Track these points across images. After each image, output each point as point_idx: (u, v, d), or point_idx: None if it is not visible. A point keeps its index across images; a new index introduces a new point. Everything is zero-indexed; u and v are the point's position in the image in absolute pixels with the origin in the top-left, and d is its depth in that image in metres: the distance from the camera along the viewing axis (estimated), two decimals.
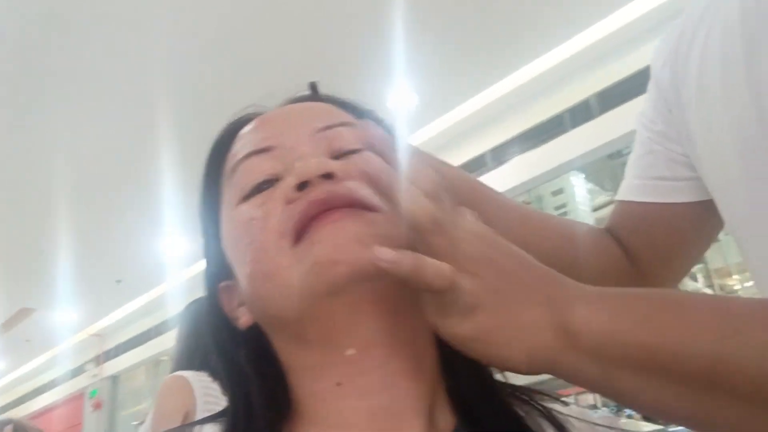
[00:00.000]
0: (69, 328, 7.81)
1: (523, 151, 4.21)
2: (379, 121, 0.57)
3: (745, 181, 0.60)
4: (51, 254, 5.67)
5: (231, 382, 0.49)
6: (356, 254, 0.40)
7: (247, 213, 0.46)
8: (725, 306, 0.39)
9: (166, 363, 7.41)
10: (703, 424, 0.38)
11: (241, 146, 0.51)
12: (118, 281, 6.63)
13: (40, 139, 4.04)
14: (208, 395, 1.78)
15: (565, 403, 0.50)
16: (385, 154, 0.41)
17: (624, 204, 0.76)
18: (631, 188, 0.75)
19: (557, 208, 4.20)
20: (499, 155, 4.36)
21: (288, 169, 0.46)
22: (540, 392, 0.50)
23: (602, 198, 4.38)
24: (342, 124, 0.50)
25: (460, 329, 0.38)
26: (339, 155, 0.48)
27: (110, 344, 8.35)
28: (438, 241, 0.38)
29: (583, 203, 4.18)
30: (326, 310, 0.42)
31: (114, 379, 8.52)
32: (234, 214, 0.48)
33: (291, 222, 0.43)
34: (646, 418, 2.71)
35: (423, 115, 4.27)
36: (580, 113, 3.90)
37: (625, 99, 3.41)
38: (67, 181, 4.54)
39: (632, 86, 3.39)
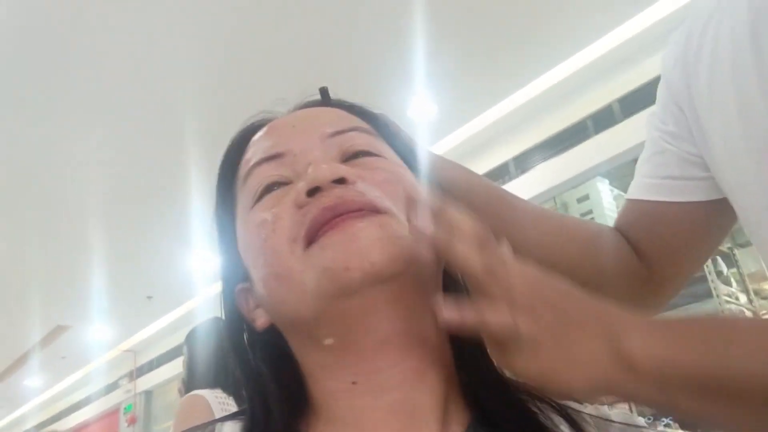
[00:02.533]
0: (103, 344, 7.94)
1: (546, 158, 4.19)
2: (389, 125, 0.58)
3: (760, 182, 0.60)
4: (84, 272, 5.79)
5: (249, 382, 0.49)
6: (367, 258, 0.41)
7: (259, 216, 0.47)
8: None
9: None
10: None
11: (252, 153, 0.51)
12: (149, 297, 6.73)
13: (73, 158, 4.14)
14: (226, 411, 1.83)
15: (580, 401, 0.50)
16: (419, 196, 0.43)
17: (634, 202, 0.76)
18: (642, 187, 0.75)
19: (583, 214, 4.15)
20: (522, 163, 4.34)
21: (299, 174, 0.47)
22: None
23: None
24: (352, 129, 0.51)
25: (524, 367, 0.40)
26: (349, 156, 0.49)
27: (143, 360, 8.46)
28: (493, 288, 0.40)
29: (610, 209, 4.13)
30: (340, 312, 0.42)
31: (148, 394, 8.62)
32: (247, 218, 0.48)
33: (302, 228, 0.44)
34: (684, 426, 2.66)
35: (444, 125, 4.28)
36: (603, 119, 3.87)
37: (647, 104, 3.37)
38: (99, 199, 4.64)
39: (654, 90, 3.33)
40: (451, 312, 0.40)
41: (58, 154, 4.10)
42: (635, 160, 0.79)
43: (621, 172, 4.07)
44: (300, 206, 0.45)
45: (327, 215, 0.43)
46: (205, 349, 2.15)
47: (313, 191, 0.44)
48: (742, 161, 0.62)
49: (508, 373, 0.43)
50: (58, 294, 6.29)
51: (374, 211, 0.44)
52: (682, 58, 0.70)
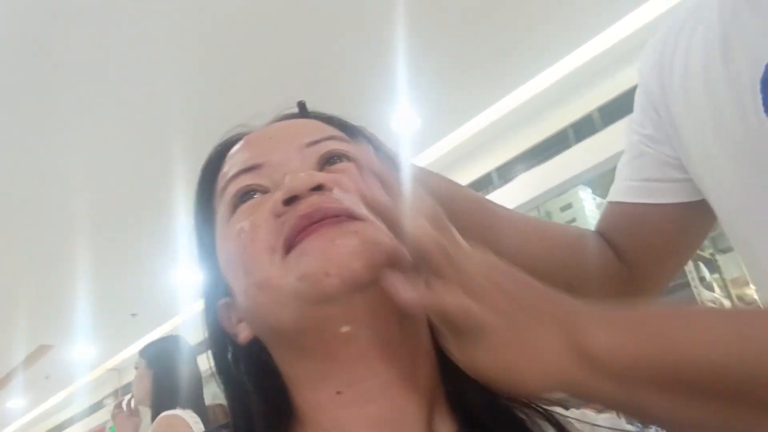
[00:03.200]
0: (87, 363, 7.82)
1: (528, 167, 4.22)
2: (369, 138, 0.58)
3: (736, 181, 0.62)
4: (67, 289, 5.71)
5: (232, 396, 0.49)
6: (346, 265, 0.41)
7: (237, 225, 0.47)
8: (739, 316, 0.39)
9: None
10: None
11: (230, 166, 0.51)
12: (134, 315, 6.66)
13: (57, 173, 4.10)
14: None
15: (566, 407, 0.50)
16: (380, 172, 0.41)
17: (615, 205, 0.77)
18: (622, 190, 0.76)
19: (567, 222, 4.18)
20: (505, 173, 4.37)
21: (277, 184, 0.47)
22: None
23: None
24: (329, 138, 0.51)
25: (478, 360, 0.39)
26: (327, 161, 0.49)
27: (128, 378, 8.34)
28: (447, 269, 0.38)
29: (593, 217, 4.17)
30: (321, 319, 0.42)
31: None
32: (225, 230, 0.48)
33: (280, 236, 0.43)
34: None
35: (427, 137, 4.30)
36: (584, 128, 3.92)
37: (627, 112, 3.36)
38: (84, 217, 4.60)
39: (633, 99, 3.39)
40: (407, 290, 0.38)
41: (42, 171, 4.06)
42: (617, 168, 0.80)
43: (603, 180, 4.11)
44: (278, 215, 0.44)
45: (304, 222, 0.43)
46: (170, 368, 2.16)
47: (290, 200, 0.44)
48: (717, 163, 0.63)
49: (461, 365, 0.40)
50: (40, 312, 6.21)
51: (351, 217, 0.43)
52: (658, 64, 0.72)
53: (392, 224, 0.40)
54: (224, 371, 0.50)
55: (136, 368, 2.33)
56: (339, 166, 0.49)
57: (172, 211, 3.94)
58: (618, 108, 3.62)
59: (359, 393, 0.44)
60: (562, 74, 3.89)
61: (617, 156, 0.81)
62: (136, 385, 2.28)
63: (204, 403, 2.14)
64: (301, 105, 0.58)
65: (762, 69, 0.56)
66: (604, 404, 0.39)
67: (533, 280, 0.41)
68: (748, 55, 0.58)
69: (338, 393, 0.44)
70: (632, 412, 0.39)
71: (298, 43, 3.35)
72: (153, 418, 2.00)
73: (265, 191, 0.48)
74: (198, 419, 1.90)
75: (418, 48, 3.37)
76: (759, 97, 0.56)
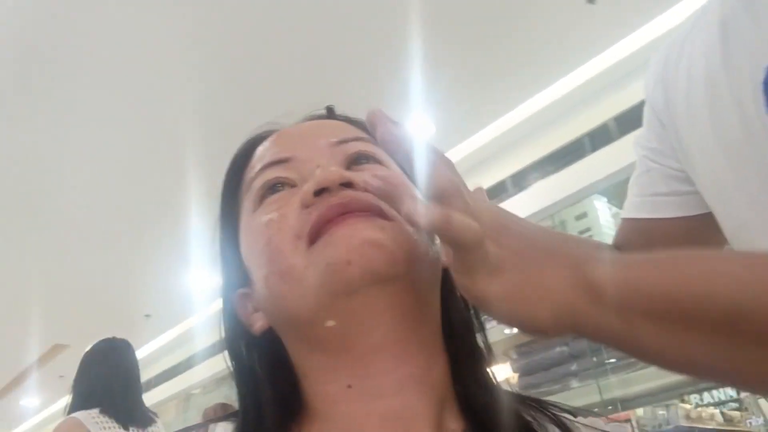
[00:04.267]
0: None
1: (543, 176, 4.20)
2: None
3: (739, 192, 0.62)
4: (82, 290, 5.78)
5: (242, 384, 0.50)
6: (368, 256, 0.41)
7: (264, 215, 0.48)
8: (749, 257, 0.39)
9: (197, 397, 7.42)
10: (728, 375, 0.38)
11: (258, 159, 0.52)
12: (147, 316, 6.71)
13: (72, 174, 4.15)
14: (104, 429, 1.95)
15: (574, 414, 0.50)
16: (400, 150, 0.42)
17: (627, 221, 0.78)
18: (633, 205, 0.77)
19: (581, 232, 4.16)
20: (519, 181, 4.36)
21: (305, 178, 0.48)
22: (549, 402, 0.51)
23: None
24: (358, 139, 0.52)
25: (487, 288, 0.39)
26: (354, 161, 0.50)
27: (144, 377, 8.39)
28: (461, 206, 0.39)
29: (608, 226, 4.14)
30: (340, 311, 0.43)
31: None
32: (251, 221, 0.49)
33: (308, 224, 0.44)
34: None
35: (441, 144, 4.23)
36: (600, 137, 3.89)
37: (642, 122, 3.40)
38: (98, 217, 4.64)
39: None
40: (415, 206, 0.38)
41: (57, 172, 4.11)
42: (629, 184, 0.81)
43: (618, 189, 4.08)
44: (306, 205, 0.45)
45: (333, 212, 0.44)
46: (93, 371, 2.24)
47: (320, 191, 0.45)
48: (720, 173, 0.64)
49: (467, 296, 0.41)
50: (55, 312, 6.27)
51: (380, 215, 0.44)
52: (662, 77, 0.73)
53: (408, 162, 0.41)
54: (237, 359, 0.51)
55: None
56: (366, 166, 0.50)
57: (186, 213, 3.97)
58: (634, 118, 3.58)
59: (371, 388, 0.44)
60: (578, 83, 3.87)
61: (633, 166, 0.81)
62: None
63: (135, 403, 2.19)
64: (330, 108, 0.60)
65: (763, 72, 0.57)
66: (605, 338, 0.40)
67: (540, 225, 0.43)
68: (748, 59, 0.59)
69: (349, 386, 0.45)
70: (632, 347, 0.40)
71: (312, 50, 3.37)
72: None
73: (293, 185, 0.49)
74: (99, 418, 1.97)
75: (433, 54, 3.38)
76: (761, 98, 0.57)
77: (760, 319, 0.34)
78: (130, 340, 2.56)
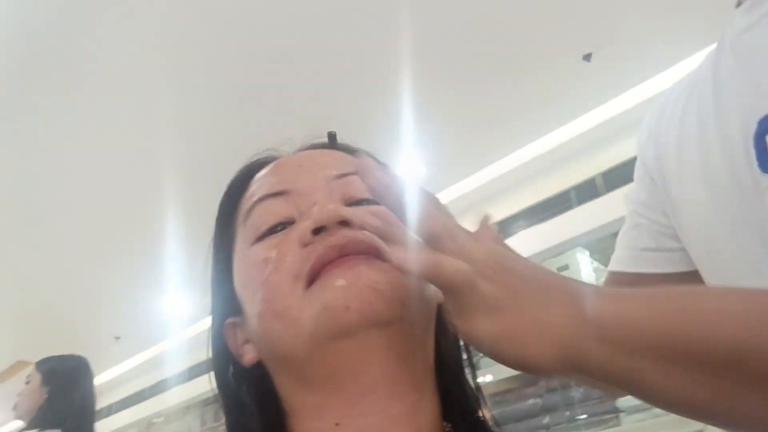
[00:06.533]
0: None
1: (529, 225, 4.23)
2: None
3: (727, 244, 0.62)
4: (50, 306, 5.65)
5: (231, 415, 0.49)
6: (367, 301, 0.41)
7: (262, 253, 0.47)
8: (751, 296, 0.39)
9: (159, 425, 7.22)
10: (730, 418, 0.37)
11: (257, 188, 0.52)
12: (117, 338, 6.56)
13: (42, 190, 4.08)
14: None
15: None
16: (390, 198, 0.42)
17: (614, 274, 0.78)
18: (621, 259, 0.78)
19: None
20: (505, 228, 4.38)
21: (303, 214, 0.47)
22: None
23: None
24: (356, 172, 0.51)
25: (484, 329, 0.38)
26: (352, 203, 0.49)
27: (103, 403, 8.17)
28: (452, 248, 0.38)
29: (589, 280, 4.15)
30: (334, 353, 0.42)
31: None
32: (248, 254, 0.49)
33: (306, 265, 0.44)
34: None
35: (431, 187, 4.30)
36: (586, 191, 3.94)
37: (630, 179, 3.45)
38: (69, 234, 4.56)
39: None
40: (402, 254, 0.38)
41: (25, 191, 4.04)
42: (616, 234, 0.81)
43: (601, 244, 4.11)
44: (305, 244, 0.45)
45: (333, 254, 0.43)
46: (68, 390, 2.19)
47: (318, 230, 0.44)
48: (712, 230, 0.64)
49: (462, 337, 0.40)
50: (20, 327, 6.12)
51: (377, 256, 0.44)
52: (655, 132, 0.74)
53: (399, 208, 0.40)
54: (224, 388, 0.51)
55: (28, 382, 2.31)
56: (364, 207, 0.50)
57: (163, 238, 3.94)
58: (622, 175, 3.65)
59: (360, 426, 0.43)
60: (569, 137, 3.95)
61: (617, 221, 0.81)
62: (23, 399, 2.25)
63: (92, 428, 2.15)
64: (331, 135, 0.59)
65: (754, 126, 0.57)
66: (604, 376, 0.38)
67: (537, 263, 0.42)
68: (740, 113, 0.60)
69: (337, 425, 0.44)
70: (634, 387, 0.38)
71: (301, 89, 3.38)
72: None
73: (291, 222, 0.48)
74: None
75: (425, 100, 3.42)
76: (752, 152, 0.57)
77: (763, 363, 0.34)
78: (98, 361, 2.49)
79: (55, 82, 3.21)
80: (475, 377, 0.51)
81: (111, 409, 8.02)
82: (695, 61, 0.74)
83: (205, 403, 6.59)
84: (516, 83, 3.53)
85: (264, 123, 3.33)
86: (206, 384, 0.51)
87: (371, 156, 0.59)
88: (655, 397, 0.39)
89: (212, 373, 0.52)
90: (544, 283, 0.40)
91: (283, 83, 3.36)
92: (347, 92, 3.47)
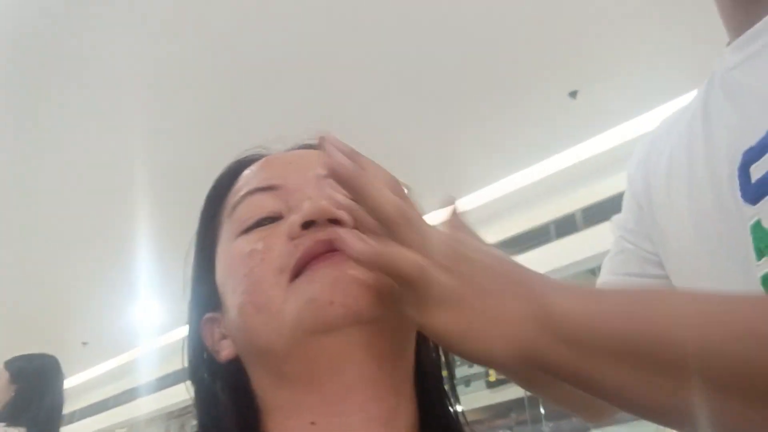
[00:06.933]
0: None
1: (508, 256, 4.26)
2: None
3: (709, 270, 0.62)
4: (15, 308, 5.53)
5: (204, 413, 0.48)
6: (353, 296, 0.40)
7: (248, 245, 0.46)
8: (707, 298, 0.39)
9: None
10: (682, 418, 0.37)
11: (245, 182, 0.51)
12: (85, 343, 6.44)
13: (12, 195, 4.03)
14: None
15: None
16: (349, 181, 0.40)
17: None
18: (605, 284, 0.78)
19: None
20: None
21: (292, 209, 0.47)
22: None
23: None
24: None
25: (442, 323, 0.37)
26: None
27: (66, 409, 7.97)
28: (409, 235, 0.38)
29: None
30: (314, 349, 0.42)
31: None
32: (232, 246, 0.48)
33: (293, 258, 0.43)
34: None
35: None
36: (565, 225, 3.98)
37: (609, 216, 3.49)
38: (39, 237, 4.49)
39: (618, 205, 3.48)
40: (357, 242, 0.37)
41: (5, 194, 3.99)
42: (593, 270, 0.82)
43: (579, 279, 4.15)
44: (293, 238, 0.44)
45: (321, 248, 0.43)
46: (37, 389, 2.17)
47: (308, 225, 0.44)
48: (695, 261, 0.65)
49: (421, 330, 0.39)
50: None
51: None
52: (645, 159, 0.75)
53: (354, 189, 0.39)
54: (199, 385, 0.49)
55: None
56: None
57: (135, 243, 3.88)
58: (601, 211, 3.69)
59: (336, 426, 0.43)
60: (552, 171, 3.99)
61: (595, 257, 0.83)
62: None
63: (58, 428, 2.13)
64: (322, 137, 0.60)
65: (739, 157, 0.58)
66: (560, 374, 0.38)
67: (498, 251, 0.41)
68: (727, 144, 0.61)
69: (312, 423, 0.43)
70: (586, 384, 0.38)
71: (282, 99, 3.38)
72: None
73: (279, 218, 0.48)
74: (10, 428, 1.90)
75: (409, 129, 3.44)
76: (736, 182, 0.58)
77: (717, 365, 0.34)
78: (63, 366, 2.44)
79: (27, 91, 3.19)
80: (454, 388, 0.51)
81: (74, 416, 7.83)
82: (678, 103, 0.76)
83: (170, 416, 6.46)
84: (502, 114, 3.58)
85: (241, 134, 3.31)
86: (174, 396, 0.50)
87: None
88: (611, 396, 0.39)
89: (181, 385, 0.51)
90: (505, 275, 0.39)
91: (262, 95, 3.37)
92: (329, 113, 3.48)
